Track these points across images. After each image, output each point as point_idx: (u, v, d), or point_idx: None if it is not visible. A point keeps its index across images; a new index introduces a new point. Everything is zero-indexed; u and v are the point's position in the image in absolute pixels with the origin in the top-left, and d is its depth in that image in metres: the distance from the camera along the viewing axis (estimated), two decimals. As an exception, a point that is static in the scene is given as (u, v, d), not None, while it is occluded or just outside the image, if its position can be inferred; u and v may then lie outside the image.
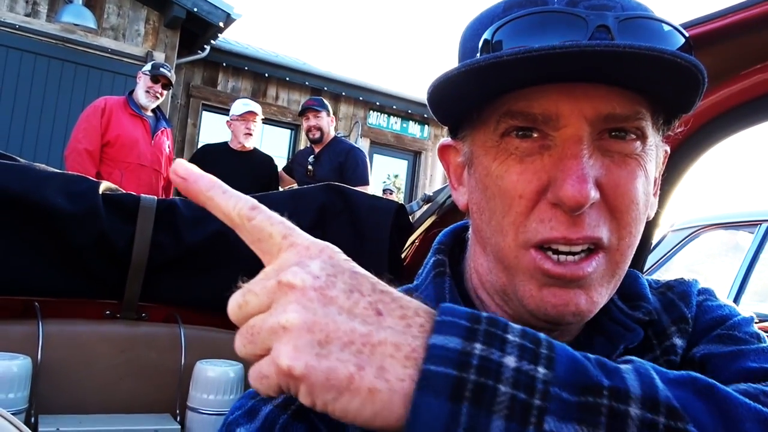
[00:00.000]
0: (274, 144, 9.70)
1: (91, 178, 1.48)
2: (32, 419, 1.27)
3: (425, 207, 1.61)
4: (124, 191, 1.53)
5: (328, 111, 4.56)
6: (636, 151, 0.60)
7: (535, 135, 0.59)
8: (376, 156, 10.42)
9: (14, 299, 1.39)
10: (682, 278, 0.78)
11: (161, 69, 4.22)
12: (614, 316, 0.69)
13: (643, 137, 0.60)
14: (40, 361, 1.31)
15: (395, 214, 1.59)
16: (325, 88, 9.78)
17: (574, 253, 0.59)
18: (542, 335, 0.45)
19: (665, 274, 3.46)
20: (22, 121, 6.93)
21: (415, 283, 0.74)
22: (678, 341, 0.69)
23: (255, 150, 4.53)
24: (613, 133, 0.59)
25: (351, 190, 1.66)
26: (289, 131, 9.89)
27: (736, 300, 2.94)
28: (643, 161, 0.60)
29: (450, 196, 1.53)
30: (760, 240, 3.08)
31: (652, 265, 3.42)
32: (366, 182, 4.32)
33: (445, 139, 0.73)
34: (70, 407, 1.35)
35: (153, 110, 4.33)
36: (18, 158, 1.42)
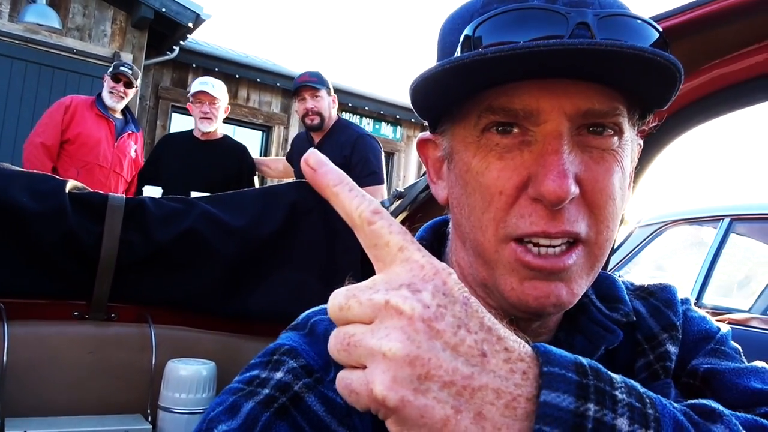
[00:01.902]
0: (246, 145, 9.61)
1: (57, 177, 1.45)
2: (-2, 422, 1.24)
3: (397, 203, 1.62)
4: (91, 190, 1.51)
5: (329, 89, 3.54)
6: (613, 147, 0.61)
7: (516, 131, 0.60)
8: (348, 157, 10.40)
9: (-21, 301, 1.36)
10: (661, 283, 0.80)
11: (120, 68, 4.13)
12: (593, 316, 0.70)
13: (620, 132, 0.62)
14: (6, 363, 1.29)
15: (367, 210, 1.59)
16: (297, 90, 9.72)
17: (554, 246, 0.60)
18: (639, 386, 0.46)
19: (633, 269, 3.53)
20: (-15, 124, 6.74)
21: None
22: (671, 348, 0.71)
23: (225, 138, 3.92)
24: (591, 129, 0.60)
25: (323, 187, 1.66)
26: (260, 132, 9.81)
27: (700, 294, 3.02)
28: (619, 156, 0.62)
29: (422, 192, 1.54)
30: (723, 235, 3.17)
31: (621, 261, 3.49)
32: (379, 181, 3.33)
33: (424, 133, 0.74)
34: (38, 409, 1.32)
35: (123, 112, 4.26)
36: (-19, 156, 1.38)
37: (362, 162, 3.29)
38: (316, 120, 3.46)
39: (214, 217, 1.54)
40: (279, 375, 0.60)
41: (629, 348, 0.72)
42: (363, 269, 1.54)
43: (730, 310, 3.47)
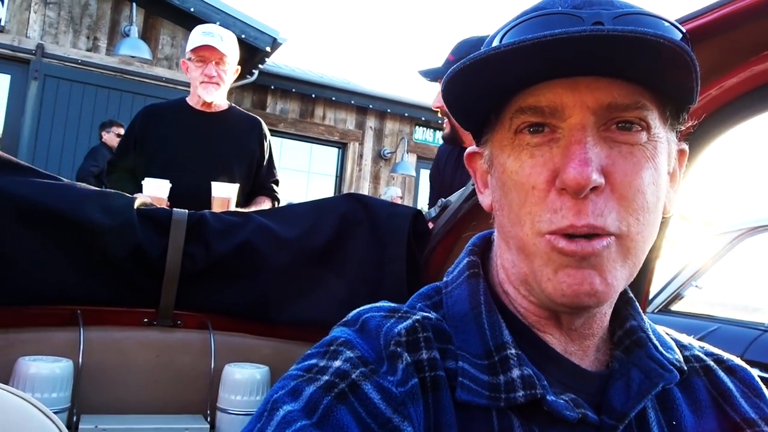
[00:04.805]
0: (323, 163, 9.90)
1: (126, 194, 1.59)
2: (74, 418, 1.37)
3: (443, 213, 1.65)
4: (157, 206, 1.63)
5: None
6: (641, 142, 0.63)
7: (546, 130, 0.64)
8: (423, 171, 10.48)
9: (60, 308, 1.51)
10: (736, 362, 0.81)
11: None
12: (651, 353, 0.71)
13: (648, 128, 0.63)
14: (82, 364, 1.42)
15: (413, 220, 1.63)
16: (371, 106, 9.93)
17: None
18: None
19: (711, 281, 3.32)
20: (86, 150, 7.35)
21: (444, 280, 0.77)
22: None
23: (231, 108, 2.80)
24: (620, 125, 0.63)
25: (371, 199, 1.71)
26: (336, 149, 10.08)
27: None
28: (649, 152, 0.63)
29: (466, 201, 1.56)
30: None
31: (696, 272, 3.30)
32: None
33: (471, 147, 0.78)
34: (109, 407, 1.45)
35: None
36: (61, 178, 1.54)
37: None
38: (448, 129, 2.31)
39: (268, 230, 1.63)
40: (337, 363, 0.62)
41: (711, 414, 0.73)
42: (408, 279, 1.58)
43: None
